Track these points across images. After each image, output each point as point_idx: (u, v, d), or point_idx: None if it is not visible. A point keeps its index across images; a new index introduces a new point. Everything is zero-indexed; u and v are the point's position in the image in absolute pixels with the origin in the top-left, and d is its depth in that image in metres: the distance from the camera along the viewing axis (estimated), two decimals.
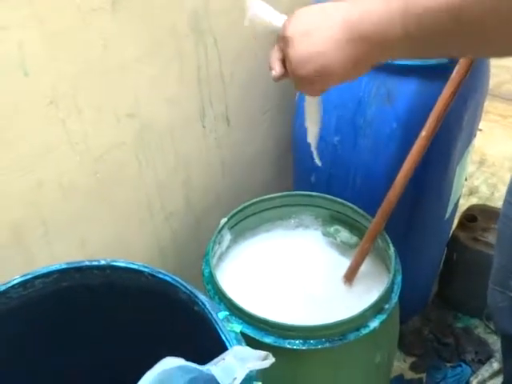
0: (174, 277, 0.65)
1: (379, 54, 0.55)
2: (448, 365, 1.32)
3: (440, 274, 1.49)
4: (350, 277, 0.96)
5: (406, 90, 0.98)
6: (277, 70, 0.66)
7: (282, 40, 0.61)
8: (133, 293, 0.67)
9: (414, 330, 1.39)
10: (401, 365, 1.34)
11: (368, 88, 1.00)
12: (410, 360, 1.35)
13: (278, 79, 0.66)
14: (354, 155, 1.05)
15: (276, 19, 0.67)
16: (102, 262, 0.67)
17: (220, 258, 1.00)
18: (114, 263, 0.66)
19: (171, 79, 0.92)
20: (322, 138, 1.05)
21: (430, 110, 0.86)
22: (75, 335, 0.70)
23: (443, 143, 1.01)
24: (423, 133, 0.86)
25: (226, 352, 0.54)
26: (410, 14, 0.50)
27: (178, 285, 0.64)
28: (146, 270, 0.65)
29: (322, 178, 1.12)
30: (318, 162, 0.82)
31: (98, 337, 0.71)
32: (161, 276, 0.65)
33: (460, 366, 1.30)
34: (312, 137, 0.79)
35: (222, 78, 1.04)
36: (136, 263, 0.66)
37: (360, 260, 0.95)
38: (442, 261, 1.46)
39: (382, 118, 1.00)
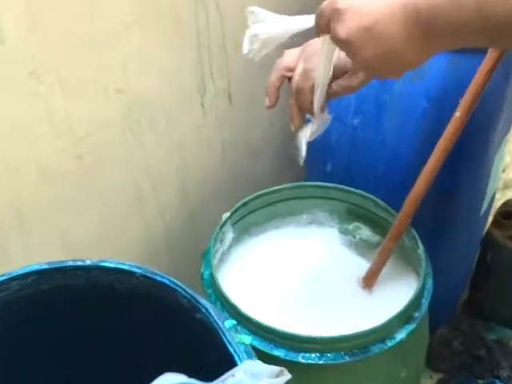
0: (172, 279, 0.65)
1: (451, 46, 0.58)
2: (480, 382, 1.32)
3: (471, 278, 1.48)
4: (369, 281, 0.95)
5: (439, 62, 0.96)
6: (296, 124, 0.78)
7: (337, 42, 0.61)
8: (123, 297, 0.67)
9: (442, 342, 1.38)
10: (426, 382, 1.34)
11: None
12: (437, 376, 1.35)
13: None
14: (377, 139, 1.04)
15: (301, 22, 0.66)
16: (88, 262, 0.66)
17: (221, 259, 1.00)
18: (102, 263, 0.66)
19: (166, 49, 0.91)
20: (339, 119, 1.06)
21: (466, 86, 0.85)
22: (57, 344, 0.69)
23: (481, 126, 1.00)
24: (457, 113, 0.85)
25: (236, 367, 0.53)
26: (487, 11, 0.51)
27: (177, 288, 0.64)
28: (138, 270, 0.65)
29: (339, 166, 1.10)
30: (301, 161, 0.82)
31: (83, 348, 0.70)
32: (156, 278, 0.65)
33: (494, 383, 1.30)
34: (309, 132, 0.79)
35: (225, 48, 1.03)
36: (127, 263, 0.65)
37: (382, 261, 0.94)
38: (475, 263, 1.46)
39: (410, 96, 0.99)
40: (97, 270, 0.66)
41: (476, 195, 1.17)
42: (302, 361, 0.78)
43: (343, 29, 0.59)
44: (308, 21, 0.65)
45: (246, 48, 0.70)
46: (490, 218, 1.43)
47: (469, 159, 1.05)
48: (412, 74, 0.99)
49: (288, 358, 0.79)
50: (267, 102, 0.81)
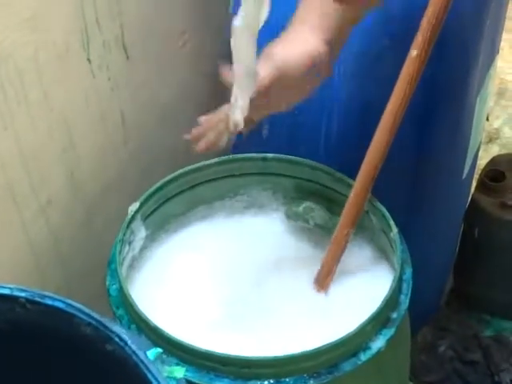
0: (68, 301, 0.64)
1: None
2: None
3: (456, 261, 1.53)
4: (322, 282, 0.96)
5: None
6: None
7: None
8: (4, 335, 0.65)
9: (425, 347, 1.43)
10: None
11: None
12: None
13: None
14: (327, 90, 1.04)
15: None
16: None
17: (132, 267, 1.00)
18: None
19: None
20: None
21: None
22: None
23: (458, 62, 1.03)
24: (414, 52, 0.86)
25: None
26: None
27: (77, 313, 0.63)
28: (22, 294, 0.64)
29: (280, 129, 1.11)
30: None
31: None
32: (48, 302, 0.63)
33: None
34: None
35: None
36: (6, 286, 0.64)
37: (336, 256, 0.95)
38: (459, 241, 1.50)
39: (367, 30, 1.00)
40: None
41: (456, 152, 1.21)
42: None
43: None
44: None
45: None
46: (475, 183, 1.48)
47: (444, 107, 1.08)
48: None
49: None
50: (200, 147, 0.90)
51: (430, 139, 1.10)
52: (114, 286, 0.90)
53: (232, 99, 0.82)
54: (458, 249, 1.52)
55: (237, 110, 0.82)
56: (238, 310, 0.95)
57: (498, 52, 1.29)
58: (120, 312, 0.88)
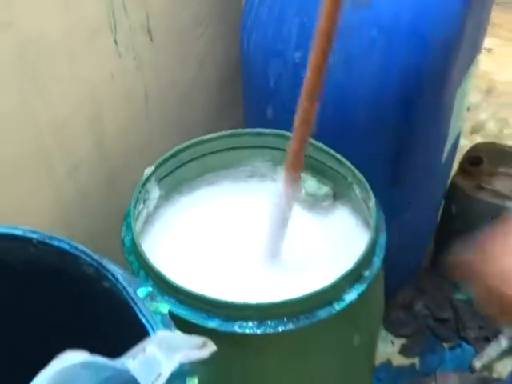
0: (73, 243, 0.63)
1: None
2: (446, 346, 1.36)
3: (436, 233, 1.51)
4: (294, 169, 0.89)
5: None
6: None
7: None
8: (18, 270, 0.64)
9: (404, 305, 1.41)
10: (388, 349, 1.37)
11: None
12: (400, 342, 1.38)
13: None
14: None
15: None
16: None
17: (147, 222, 0.98)
18: None
19: None
20: (280, 55, 1.04)
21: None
22: None
23: (438, 56, 0.99)
24: None
25: (148, 340, 0.51)
26: None
27: (81, 254, 0.62)
28: (34, 236, 0.62)
29: (281, 110, 1.09)
30: None
31: None
32: (55, 244, 0.62)
33: (460, 346, 1.34)
34: None
35: None
36: (20, 228, 0.62)
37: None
38: (439, 216, 1.48)
39: (358, 24, 0.97)
40: None
41: (436, 140, 1.17)
42: (239, 330, 0.77)
43: None
44: None
45: None
46: (456, 167, 1.45)
47: (425, 98, 1.04)
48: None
49: (223, 328, 0.78)
50: None
51: (412, 127, 1.08)
52: (128, 237, 0.89)
53: None
54: (437, 223, 1.49)
55: None
56: (237, 262, 0.94)
57: (481, 52, 1.25)
58: (131, 259, 0.87)
